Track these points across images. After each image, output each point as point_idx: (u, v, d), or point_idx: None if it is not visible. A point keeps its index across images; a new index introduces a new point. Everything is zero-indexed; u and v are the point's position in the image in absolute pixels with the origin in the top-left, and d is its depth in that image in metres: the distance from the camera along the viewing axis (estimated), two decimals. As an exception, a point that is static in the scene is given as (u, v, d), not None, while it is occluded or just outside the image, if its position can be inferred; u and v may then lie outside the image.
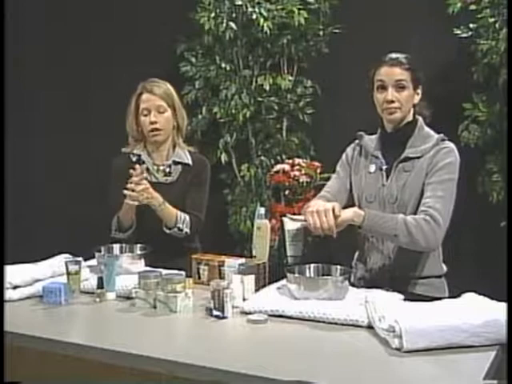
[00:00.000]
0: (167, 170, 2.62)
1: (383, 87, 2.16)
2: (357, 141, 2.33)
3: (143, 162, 2.60)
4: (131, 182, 2.39)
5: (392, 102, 2.14)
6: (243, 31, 3.69)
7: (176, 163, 2.62)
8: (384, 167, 2.21)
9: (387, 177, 2.19)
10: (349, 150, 2.34)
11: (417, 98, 2.19)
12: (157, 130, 2.55)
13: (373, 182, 2.22)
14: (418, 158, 2.15)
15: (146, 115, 2.55)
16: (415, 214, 2.10)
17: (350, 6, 3.55)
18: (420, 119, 2.22)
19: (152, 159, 2.62)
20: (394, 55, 2.17)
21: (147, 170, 2.59)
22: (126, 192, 2.39)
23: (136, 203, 2.42)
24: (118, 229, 2.53)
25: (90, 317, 1.99)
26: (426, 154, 2.14)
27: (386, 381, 1.47)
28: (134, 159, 2.60)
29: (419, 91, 2.19)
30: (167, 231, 2.50)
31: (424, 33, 3.32)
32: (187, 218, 2.52)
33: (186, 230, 2.51)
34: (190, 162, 2.62)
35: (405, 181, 2.15)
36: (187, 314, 1.94)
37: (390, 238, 2.10)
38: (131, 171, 2.40)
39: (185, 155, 2.63)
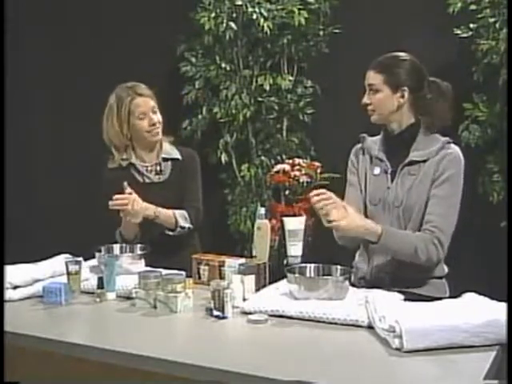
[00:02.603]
0: (158, 168, 2.61)
1: (365, 91, 2.19)
2: (359, 144, 2.32)
3: (134, 166, 2.58)
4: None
5: (366, 104, 2.18)
6: (243, 31, 3.69)
7: (165, 160, 2.61)
8: (389, 170, 2.20)
9: (392, 180, 2.19)
10: (352, 155, 2.33)
11: (401, 101, 2.15)
12: (158, 130, 2.55)
13: (377, 184, 2.21)
14: (424, 161, 2.14)
15: (142, 119, 2.52)
16: (422, 218, 2.11)
17: (350, 6, 3.55)
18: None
19: (142, 161, 2.60)
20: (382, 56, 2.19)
21: (138, 172, 2.59)
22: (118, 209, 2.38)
23: (136, 220, 2.41)
24: (123, 242, 2.51)
25: (90, 317, 1.99)
26: (431, 157, 2.13)
27: (386, 381, 1.47)
28: (124, 164, 2.58)
29: (405, 93, 2.14)
30: (170, 233, 2.50)
31: (424, 33, 3.31)
32: (185, 213, 2.52)
33: (188, 225, 2.51)
34: (179, 156, 2.62)
35: (410, 184, 2.14)
36: (187, 314, 1.94)
37: (403, 257, 2.10)
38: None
39: (172, 151, 2.62)
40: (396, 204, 2.15)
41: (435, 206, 2.10)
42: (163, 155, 2.61)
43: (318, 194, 2.03)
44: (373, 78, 2.16)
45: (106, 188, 2.51)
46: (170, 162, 2.61)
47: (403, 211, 2.14)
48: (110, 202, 2.34)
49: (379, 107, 2.17)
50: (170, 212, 2.49)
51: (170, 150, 2.62)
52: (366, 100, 2.18)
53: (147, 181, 2.58)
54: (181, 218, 2.50)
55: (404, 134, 2.20)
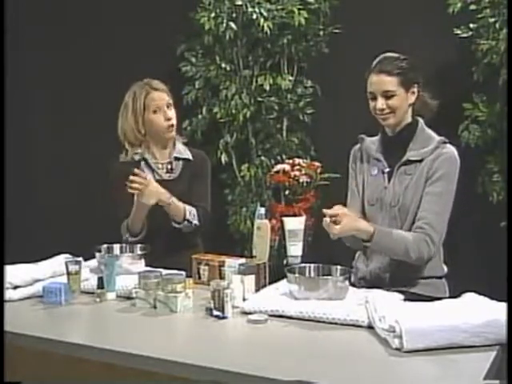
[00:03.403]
0: (169, 166, 2.62)
1: (374, 96, 2.17)
2: (358, 145, 2.32)
3: (145, 161, 2.60)
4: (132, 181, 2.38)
5: (383, 109, 2.15)
6: (243, 31, 3.68)
7: (177, 159, 2.63)
8: (386, 170, 2.20)
9: (389, 179, 2.19)
10: (351, 156, 2.33)
11: (412, 98, 2.17)
12: (173, 125, 2.57)
13: (375, 184, 2.22)
14: (420, 161, 2.14)
15: (157, 113, 2.54)
16: (415, 218, 2.11)
17: (350, 6, 3.55)
18: (420, 120, 2.21)
19: (154, 158, 2.62)
20: (382, 57, 2.17)
21: (149, 168, 2.60)
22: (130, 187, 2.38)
23: (150, 202, 2.41)
24: (130, 234, 2.52)
25: (90, 317, 1.99)
26: (427, 156, 2.13)
27: (386, 381, 1.47)
28: (137, 158, 2.60)
29: (415, 90, 2.17)
30: (176, 226, 2.51)
31: (424, 33, 3.31)
32: (194, 210, 2.53)
33: (195, 221, 2.52)
34: (191, 157, 2.64)
35: (407, 184, 2.14)
36: (187, 314, 1.94)
37: (395, 255, 2.11)
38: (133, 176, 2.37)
39: (184, 151, 2.64)
40: (393, 204, 2.16)
41: (428, 203, 2.11)
42: (175, 154, 2.62)
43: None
44: (389, 82, 2.13)
45: (115, 179, 2.51)
46: (181, 162, 2.63)
47: (399, 211, 2.14)
48: (128, 183, 2.36)
49: (399, 109, 2.15)
50: (181, 205, 2.50)
51: (183, 151, 2.64)
52: (382, 105, 2.14)
53: (157, 178, 2.59)
54: (189, 212, 2.51)
55: (402, 134, 2.20)
